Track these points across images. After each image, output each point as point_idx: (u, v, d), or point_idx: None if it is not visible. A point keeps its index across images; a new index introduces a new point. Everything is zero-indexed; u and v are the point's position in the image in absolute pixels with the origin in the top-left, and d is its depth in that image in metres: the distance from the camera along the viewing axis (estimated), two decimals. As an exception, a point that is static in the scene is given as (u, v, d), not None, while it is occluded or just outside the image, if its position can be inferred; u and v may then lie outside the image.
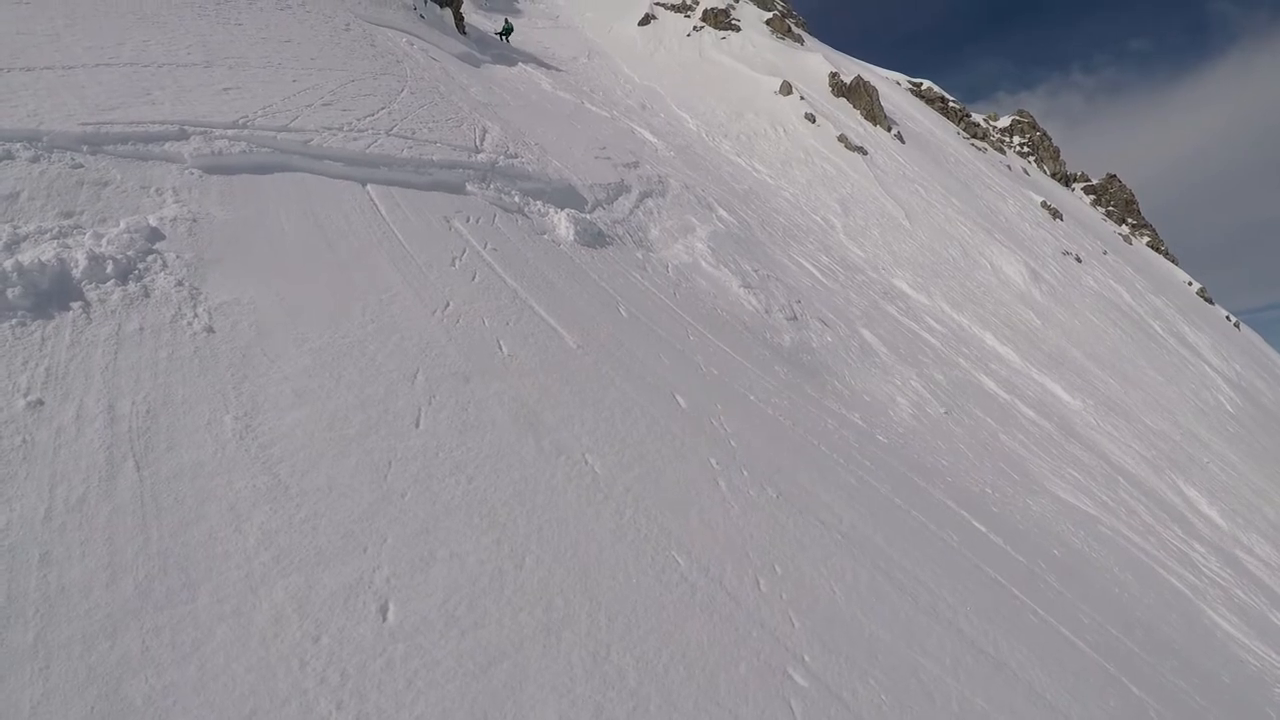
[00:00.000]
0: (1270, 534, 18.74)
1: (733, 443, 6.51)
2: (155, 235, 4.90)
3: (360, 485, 3.70)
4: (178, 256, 4.79)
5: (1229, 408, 31.92)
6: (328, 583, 3.12)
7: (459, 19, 22.36)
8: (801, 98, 35.18)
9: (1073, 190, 71.71)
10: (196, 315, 4.34)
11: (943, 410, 12.99)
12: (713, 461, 5.92)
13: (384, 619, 3.09)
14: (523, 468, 4.49)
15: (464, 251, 7.26)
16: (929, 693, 4.61)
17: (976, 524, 8.60)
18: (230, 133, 6.77)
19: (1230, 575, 13.79)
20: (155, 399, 3.65)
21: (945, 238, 29.20)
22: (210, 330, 4.29)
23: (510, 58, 22.94)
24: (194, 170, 6.02)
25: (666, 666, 3.60)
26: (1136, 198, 75.72)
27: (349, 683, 2.79)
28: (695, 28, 44.03)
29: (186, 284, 4.59)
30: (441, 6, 21.42)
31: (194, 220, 5.31)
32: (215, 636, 2.73)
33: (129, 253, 4.57)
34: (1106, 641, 7.59)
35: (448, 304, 6.00)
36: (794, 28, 52.22)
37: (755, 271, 13.79)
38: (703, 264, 12.51)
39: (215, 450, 3.50)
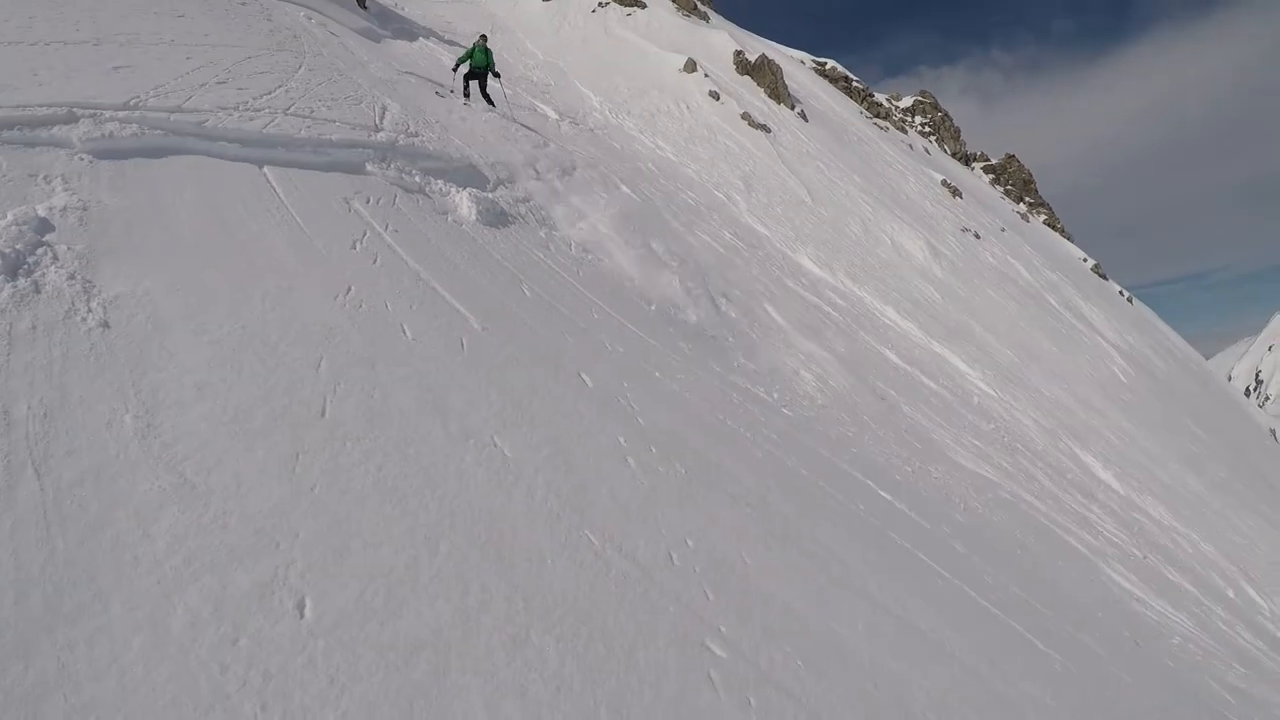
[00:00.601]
0: (1164, 496, 19.63)
1: (640, 420, 6.58)
2: (44, 226, 4.68)
3: (268, 480, 3.64)
4: (69, 248, 4.60)
5: (1122, 378, 33.27)
6: (242, 582, 3.07)
7: (359, -8, 21.88)
8: (706, 75, 35.30)
9: (972, 169, 73.57)
10: (91, 310, 4.18)
11: (846, 383, 13.26)
12: (621, 439, 5.97)
13: (301, 615, 3.06)
14: (432, 453, 4.47)
15: (365, 234, 7.14)
16: (843, 657, 4.78)
17: (882, 492, 8.85)
18: (121, 115, 6.48)
19: (1126, 536, 14.44)
20: (52, 401, 3.52)
21: (847, 214, 29.69)
22: (106, 325, 4.14)
23: (412, 33, 22.53)
24: (84, 155, 5.76)
25: (586, 645, 3.67)
26: (1034, 177, 78.11)
27: (271, 683, 2.76)
28: (600, 3, 43.69)
29: (79, 277, 4.41)
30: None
31: (85, 209, 5.09)
32: (132, 647, 2.66)
33: (17, 246, 4.36)
34: (1011, 601, 7.92)
35: (349, 288, 5.89)
36: (700, 4, 52.27)
37: (659, 249, 13.85)
38: (606, 242, 12.51)
39: (117, 452, 3.40)
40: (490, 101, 18.64)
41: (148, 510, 3.19)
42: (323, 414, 4.30)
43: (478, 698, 3.08)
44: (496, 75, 19.23)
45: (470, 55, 18.77)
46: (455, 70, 18.82)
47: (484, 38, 19.28)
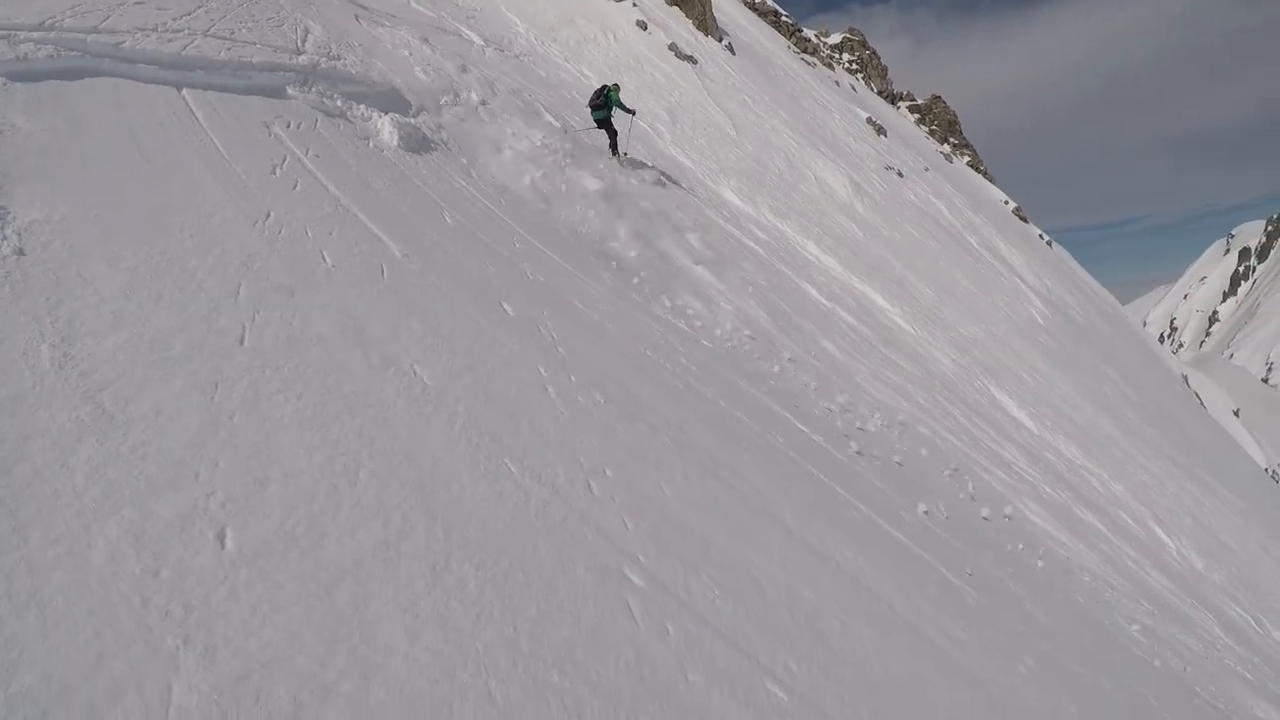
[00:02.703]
0: (1076, 436, 20.31)
1: (560, 350, 6.63)
2: (-45, 151, 4.54)
3: (187, 409, 3.61)
4: (-20, 174, 4.46)
5: (1040, 320, 34.22)
6: (162, 513, 3.06)
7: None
8: (634, 4, 34.80)
9: (898, 109, 74.04)
10: (5, 237, 4.07)
11: (766, 316, 13.43)
12: (541, 369, 6.03)
13: (223, 546, 3.07)
14: (352, 381, 4.47)
15: (285, 159, 7.00)
16: (760, 586, 4.92)
17: (800, 425, 9.03)
18: (36, 35, 6.19)
19: (1039, 474, 14.92)
20: (-35, 331, 3.44)
21: (771, 149, 29.72)
22: (20, 253, 4.03)
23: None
24: None
25: (506, 574, 3.73)
26: (959, 119, 78.87)
27: (193, 615, 2.77)
28: (527, -73, 42.61)
29: (-8, 204, 4.27)
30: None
31: (-2, 133, 4.92)
32: (52, 581, 2.65)
33: (-74, 172, 4.24)
34: (925, 534, 8.20)
35: (269, 214, 5.80)
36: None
37: (582, 178, 13.79)
38: (529, 169, 12.43)
39: (34, 382, 3.34)
40: (616, 151, 18.28)
41: (65, 441, 3.15)
42: (241, 342, 4.26)
43: (399, 626, 3.13)
44: (631, 113, 18.84)
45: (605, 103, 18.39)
46: (633, 115, 18.76)
47: (616, 88, 18.51)
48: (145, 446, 3.31)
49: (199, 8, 9.19)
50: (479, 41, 20.55)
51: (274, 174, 6.61)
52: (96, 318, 3.88)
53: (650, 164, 18.53)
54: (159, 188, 5.41)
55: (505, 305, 6.83)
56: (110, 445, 3.24)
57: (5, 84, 5.55)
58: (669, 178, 19.05)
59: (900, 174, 41.54)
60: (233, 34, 9.00)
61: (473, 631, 3.32)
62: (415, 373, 4.92)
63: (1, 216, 4.21)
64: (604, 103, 17.46)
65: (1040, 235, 65.45)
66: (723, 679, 3.88)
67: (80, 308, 3.89)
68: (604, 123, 17.80)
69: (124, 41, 7.10)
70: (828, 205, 27.96)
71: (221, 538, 3.10)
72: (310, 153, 7.48)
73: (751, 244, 18.53)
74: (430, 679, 3.01)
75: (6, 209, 4.30)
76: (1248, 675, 11.19)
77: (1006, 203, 66.50)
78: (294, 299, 4.92)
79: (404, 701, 2.87)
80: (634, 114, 18.95)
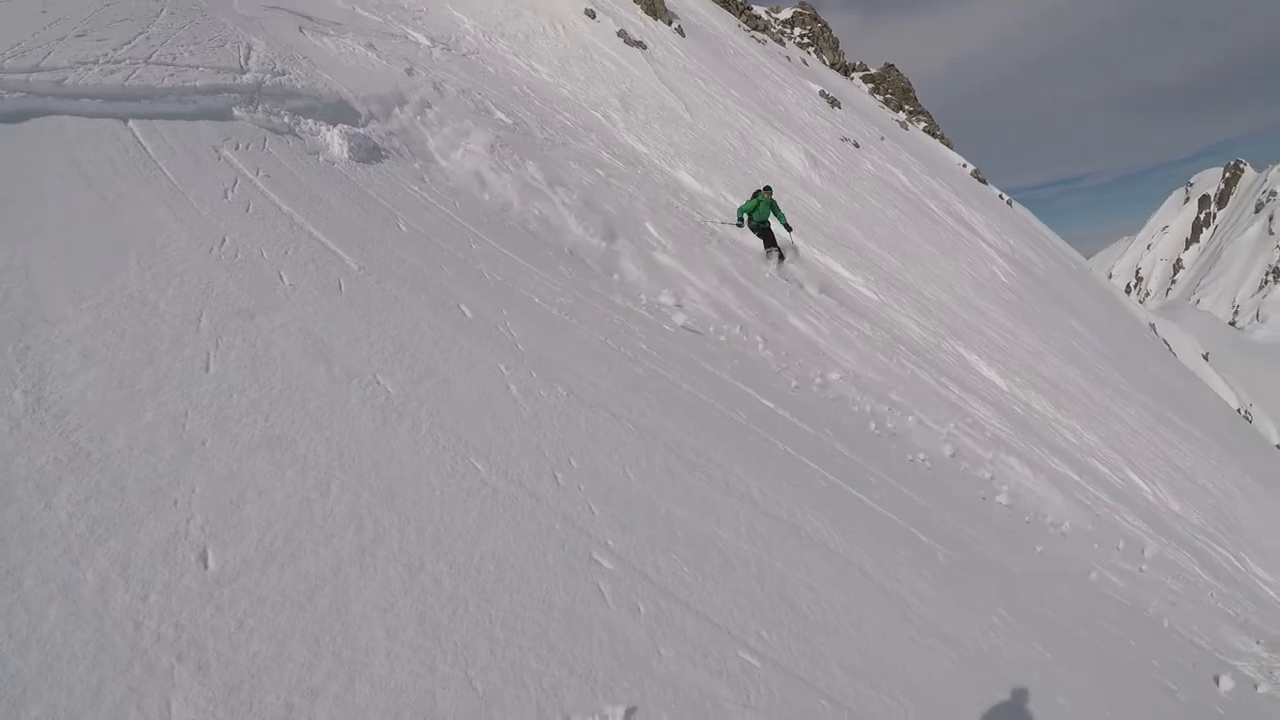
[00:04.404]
0: (1046, 390, 20.48)
1: (520, 346, 6.76)
2: (-94, 207, 4.64)
3: (160, 439, 3.76)
4: (-67, 227, 4.57)
5: (1004, 278, 34.49)
6: (145, 542, 3.22)
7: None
8: (581, -9, 34.78)
9: (851, 79, 74.18)
10: (-35, 289, 4.20)
11: (728, 295, 13.57)
12: (502, 367, 6.16)
13: (205, 566, 3.23)
14: (317, 397, 4.62)
15: (235, 182, 7.09)
16: (728, 560, 5.08)
17: (764, 401, 9.13)
18: None
19: (1011, 429, 15.06)
20: (-61, 387, 3.57)
21: (725, 128, 29.86)
22: (-17, 303, 4.17)
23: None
24: None
25: (479, 568, 3.91)
26: (914, 86, 79.11)
27: (184, 634, 2.94)
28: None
29: (-52, 256, 4.38)
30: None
31: (-54, 184, 5.01)
32: (48, 618, 2.81)
33: (-120, 231, 4.35)
34: (896, 499, 8.29)
35: (224, 239, 5.91)
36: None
37: (537, 173, 13.89)
38: (483, 169, 12.49)
39: (10, 429, 3.48)
40: (781, 256, 17.82)
41: (47, 483, 3.29)
42: (207, 369, 4.39)
43: (379, 627, 3.30)
44: (789, 228, 18.36)
45: (754, 209, 17.96)
46: (740, 225, 18.23)
47: (769, 190, 18.27)
48: (124, 479, 3.46)
49: (139, 35, 9.25)
50: (425, 43, 20.58)
51: (226, 198, 6.69)
52: (65, 359, 4.01)
53: (816, 286, 17.92)
54: (113, 223, 5.50)
55: (464, 308, 6.95)
56: (90, 482, 3.38)
57: (-50, 133, 5.61)
58: (627, 161, 19.11)
59: (856, 145, 41.77)
60: (175, 59, 9.07)
61: (450, 625, 3.48)
62: (378, 383, 5.06)
63: (-41, 268, 4.33)
64: (755, 205, 17.65)
65: (1000, 195, 65.87)
66: (695, 651, 4.05)
67: (48, 351, 4.02)
68: (760, 228, 17.87)
69: (66, 78, 7.18)
70: (785, 180, 28.09)
71: (204, 559, 3.26)
72: (261, 173, 7.56)
73: (711, 225, 18.66)
74: (412, 673, 3.17)
75: None
76: (1230, 612, 11.39)
77: (965, 166, 66.84)
78: (255, 321, 5.05)
79: (389, 696, 3.04)
80: (791, 231, 18.63)
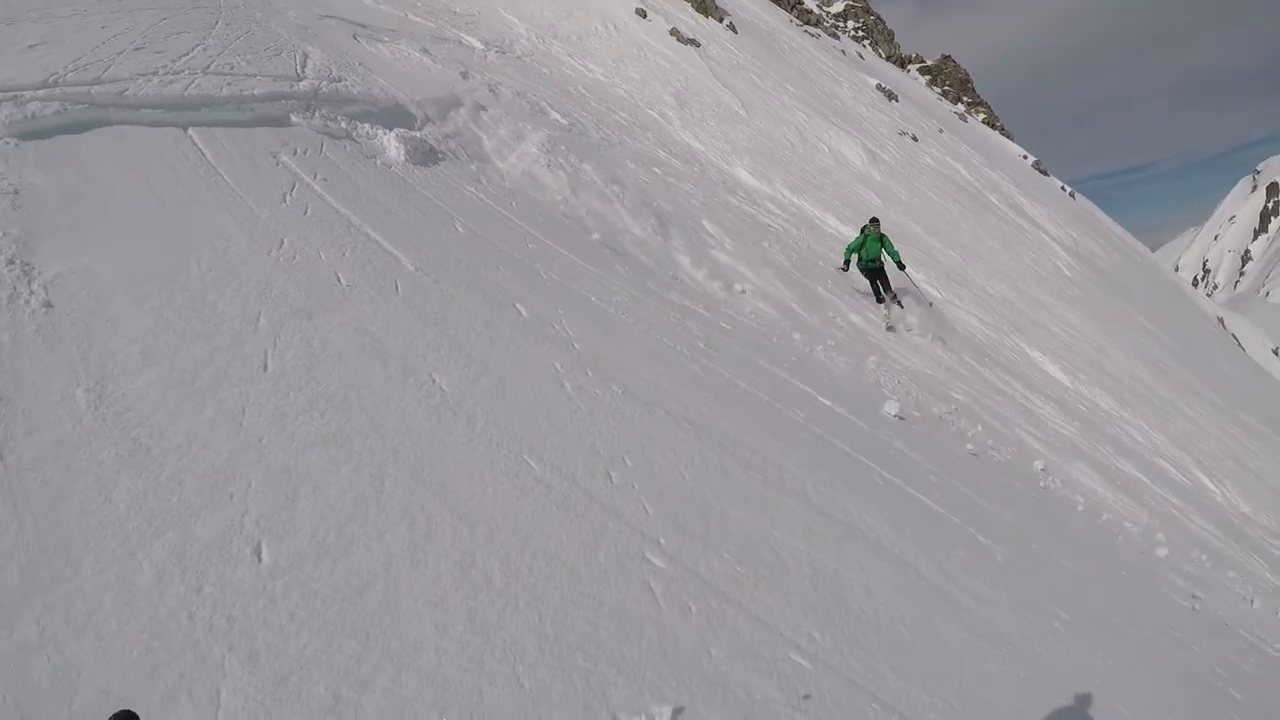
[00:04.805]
0: (1111, 387, 19.89)
1: (576, 345, 6.79)
2: (-23, 216, 4.78)
3: (218, 435, 3.86)
4: (4, 234, 4.73)
5: (1067, 272, 33.69)
6: (201, 534, 3.31)
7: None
8: (631, -9, 34.74)
9: (908, 72, 73.15)
10: (33, 292, 4.34)
11: (786, 293, 13.46)
12: (557, 365, 6.20)
13: (259, 559, 3.31)
14: (372, 395, 4.70)
15: (294, 186, 7.22)
16: (781, 560, 5.05)
17: (822, 398, 9.04)
18: (41, 94, 6.46)
19: (1076, 428, 14.68)
20: (6, 385, 3.72)
21: (782, 124, 29.55)
22: (49, 305, 4.31)
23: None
24: (8, 140, 5.78)
25: (530, 565, 3.94)
26: (971, 77, 77.93)
27: (236, 625, 3.02)
28: (517, -75, 42.53)
29: (18, 261, 4.54)
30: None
31: (15, 193, 5.19)
32: (104, 605, 2.91)
33: (-47, 241, 4.49)
34: (955, 498, 8.13)
35: (282, 242, 6.03)
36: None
37: (593, 172, 13.89)
38: (539, 170, 12.56)
39: (73, 425, 3.61)
40: (896, 301, 15.78)
41: (107, 477, 3.40)
42: (265, 367, 4.50)
43: (428, 622, 3.35)
44: (901, 265, 16.05)
45: (861, 245, 15.85)
46: (844, 269, 16.20)
47: (875, 223, 16.26)
48: (182, 474, 3.56)
49: (197, 46, 9.43)
50: (479, 46, 20.66)
51: (284, 202, 6.83)
52: (126, 358, 4.14)
53: (932, 335, 15.68)
54: (174, 227, 5.65)
55: (519, 307, 7.00)
56: (149, 476, 3.48)
57: (18, 145, 5.81)
58: (683, 159, 19.04)
59: (915, 138, 41.11)
60: (233, 69, 9.23)
61: (499, 622, 3.52)
62: (434, 381, 5.13)
63: (27, 273, 4.48)
64: (861, 242, 15.68)
65: (1062, 187, 64.42)
66: (745, 651, 4.04)
67: (110, 350, 4.15)
68: (869, 269, 15.78)
69: (126, 89, 7.35)
70: (844, 176, 27.78)
71: (258, 552, 3.35)
72: (319, 177, 7.69)
73: (768, 221, 18.50)
74: (460, 668, 3.22)
75: (31, 265, 4.57)
76: None
77: (1025, 157, 65.53)
78: (312, 321, 5.16)
79: (436, 690, 3.09)
80: (905, 269, 16.36)
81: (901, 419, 9.98)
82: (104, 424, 3.67)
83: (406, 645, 3.21)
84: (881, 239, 15.78)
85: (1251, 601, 10.61)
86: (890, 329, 14.86)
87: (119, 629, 2.85)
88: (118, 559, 3.09)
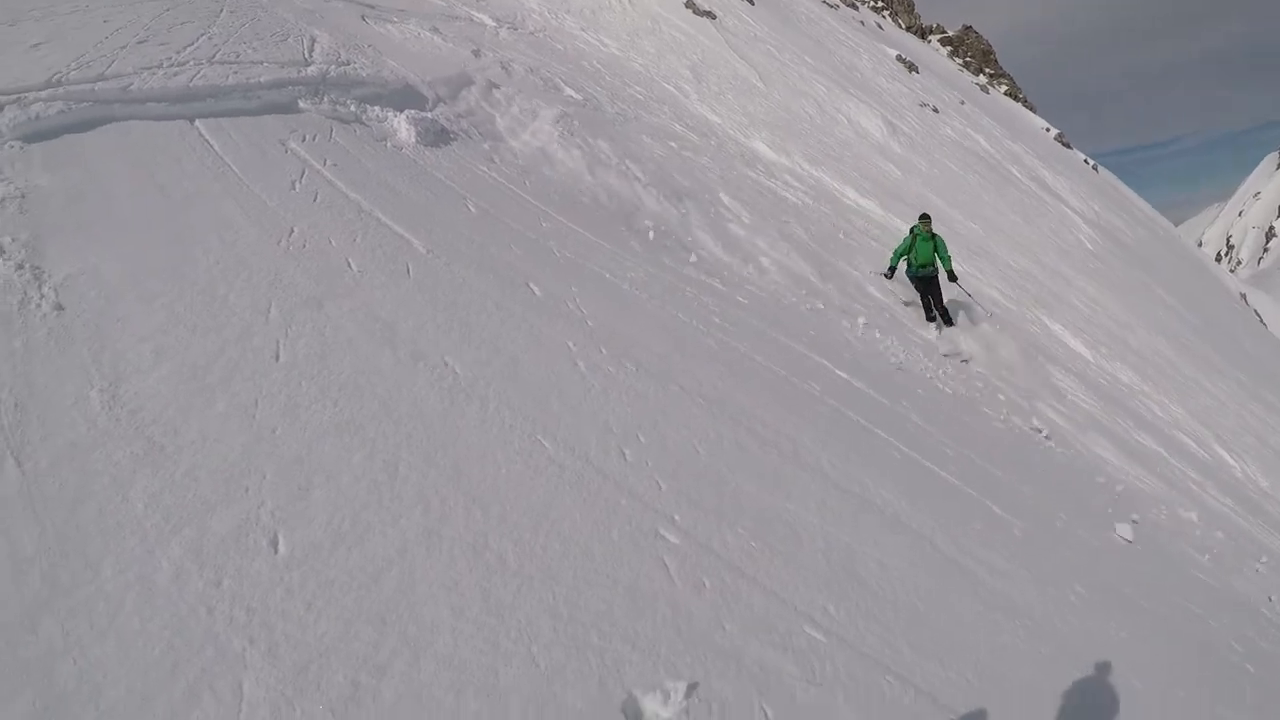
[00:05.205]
0: (1133, 362, 19.70)
1: (589, 323, 6.79)
2: (-14, 221, 4.81)
3: (231, 429, 3.89)
4: (13, 239, 4.75)
5: (1089, 246, 33.44)
6: (217, 529, 3.35)
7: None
8: (644, -37, 34.45)
9: (929, 43, 72.40)
10: (44, 296, 4.37)
11: (805, 266, 13.38)
12: (570, 344, 6.20)
13: (276, 551, 3.35)
14: (384, 381, 4.72)
15: (303, 173, 7.23)
16: (796, 535, 5.04)
17: (839, 372, 9.00)
18: (45, 94, 6.49)
19: (1096, 401, 14.53)
20: (20, 391, 3.75)
21: (800, 96, 29.35)
22: (60, 308, 4.34)
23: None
24: (14, 143, 5.80)
25: (543, 545, 3.96)
26: (993, 48, 76.98)
27: (255, 618, 3.06)
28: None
29: (28, 265, 4.57)
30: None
31: (23, 196, 5.22)
32: (126, 606, 2.95)
33: (-38, 247, 4.52)
34: (972, 471, 8.08)
35: (292, 230, 6.04)
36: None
37: (608, 148, 13.84)
38: (553, 147, 12.53)
39: (88, 427, 3.64)
40: (947, 319, 13.88)
41: (123, 477, 3.43)
42: (276, 358, 4.53)
43: (444, 606, 3.37)
44: (953, 277, 14.05)
45: (909, 249, 14.00)
46: (886, 276, 14.42)
47: (925, 220, 14.19)
48: (196, 470, 3.59)
49: (201, 36, 9.46)
50: (491, 23, 20.59)
51: (293, 189, 6.84)
52: (138, 357, 4.17)
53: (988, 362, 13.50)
54: (182, 221, 5.67)
55: (533, 286, 7.00)
56: (164, 474, 3.52)
57: (23, 147, 5.84)
58: (700, 133, 18.89)
59: (935, 110, 40.73)
60: (238, 57, 9.25)
61: (514, 603, 3.54)
62: (446, 364, 5.14)
63: (37, 277, 4.52)
64: (909, 244, 13.96)
65: (1085, 160, 63.76)
66: (759, 626, 4.05)
67: (122, 350, 4.18)
68: (920, 278, 13.97)
69: (131, 84, 7.36)
70: (863, 148, 27.59)
71: (274, 544, 3.38)
72: (328, 163, 7.69)
73: (787, 195, 18.40)
74: (476, 650, 3.25)
75: (41, 269, 4.61)
76: None
77: (1048, 130, 64.83)
78: (323, 309, 5.17)
79: (453, 672, 3.12)
80: (956, 280, 14.34)
81: (920, 394, 9.92)
82: (118, 424, 3.71)
83: (423, 629, 3.25)
84: (934, 239, 13.93)
85: (1267, 576, 10.51)
86: (946, 356, 12.79)
87: (141, 628, 2.90)
88: (137, 558, 3.13)
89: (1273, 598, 9.24)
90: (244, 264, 5.35)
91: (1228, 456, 16.45)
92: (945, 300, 14.03)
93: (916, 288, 14.10)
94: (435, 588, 3.45)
